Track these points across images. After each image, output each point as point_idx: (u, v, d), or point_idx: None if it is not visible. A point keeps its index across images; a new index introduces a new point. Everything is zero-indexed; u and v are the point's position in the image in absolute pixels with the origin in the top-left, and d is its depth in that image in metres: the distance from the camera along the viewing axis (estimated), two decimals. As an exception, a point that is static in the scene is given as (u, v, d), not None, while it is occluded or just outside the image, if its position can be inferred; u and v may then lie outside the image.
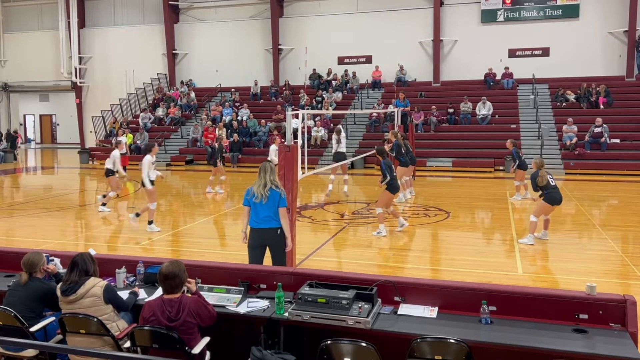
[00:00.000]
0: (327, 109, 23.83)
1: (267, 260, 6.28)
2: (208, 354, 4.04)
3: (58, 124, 39.04)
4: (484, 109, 22.71)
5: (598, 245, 9.11)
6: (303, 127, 12.10)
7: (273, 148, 13.74)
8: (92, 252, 4.66)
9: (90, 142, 30.02)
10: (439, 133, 22.59)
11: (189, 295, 4.05)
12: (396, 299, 4.33)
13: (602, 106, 21.89)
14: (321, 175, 17.69)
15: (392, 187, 9.82)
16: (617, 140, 20.26)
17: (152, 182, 10.43)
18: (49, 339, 4.31)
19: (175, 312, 3.83)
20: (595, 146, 19.95)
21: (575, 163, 19.39)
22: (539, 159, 9.45)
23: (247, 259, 6.11)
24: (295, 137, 7.98)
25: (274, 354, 3.88)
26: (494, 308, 4.07)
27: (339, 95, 25.30)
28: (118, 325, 4.20)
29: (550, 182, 8.99)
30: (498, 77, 24.61)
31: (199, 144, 24.27)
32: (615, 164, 19.11)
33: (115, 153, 12.68)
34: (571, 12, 24.12)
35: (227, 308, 4.32)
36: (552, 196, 8.99)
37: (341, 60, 27.31)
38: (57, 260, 5.08)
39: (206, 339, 3.99)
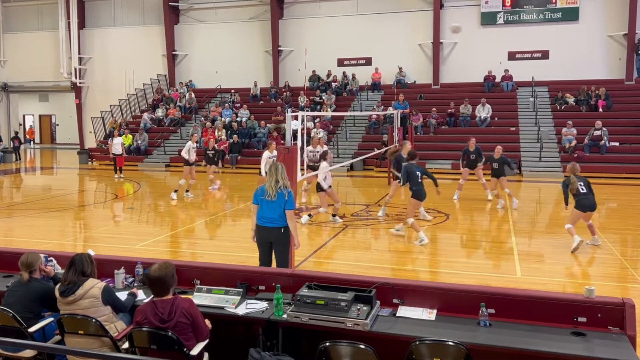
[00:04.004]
0: (326, 111, 23.85)
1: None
2: (206, 355, 4.04)
3: (57, 125, 39.05)
4: (484, 111, 22.73)
5: (597, 249, 9.10)
6: (302, 129, 12.10)
7: (266, 155, 12.66)
8: (91, 252, 4.66)
9: (90, 142, 30.01)
10: (438, 135, 22.61)
11: (183, 296, 4.02)
12: (395, 301, 4.33)
13: (601, 109, 21.92)
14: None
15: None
16: (617, 144, 20.28)
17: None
18: (48, 339, 4.30)
19: (167, 313, 3.81)
20: (595, 149, 19.96)
21: (574, 166, 19.39)
22: (572, 165, 9.36)
23: (246, 260, 6.16)
24: (295, 138, 7.98)
25: (273, 355, 3.87)
26: (492, 311, 4.07)
27: (326, 97, 25.26)
28: (116, 326, 4.20)
29: (580, 190, 8.95)
30: (498, 79, 24.62)
31: (198, 144, 24.23)
32: (615, 167, 19.14)
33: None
34: (571, 15, 24.14)
35: (226, 309, 4.32)
36: (581, 203, 8.96)
37: (341, 62, 27.32)
38: (55, 262, 5.07)
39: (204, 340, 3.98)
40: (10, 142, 29.68)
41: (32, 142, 37.98)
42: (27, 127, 38.75)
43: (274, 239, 6.15)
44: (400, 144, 12.41)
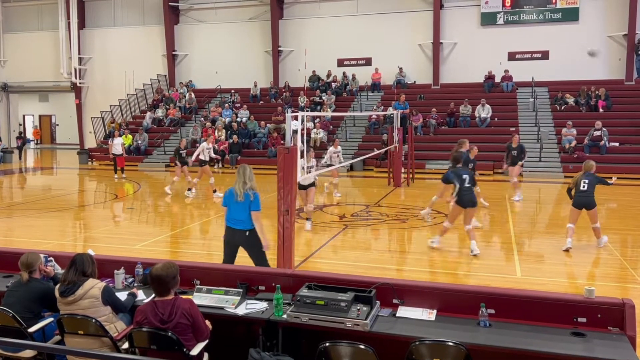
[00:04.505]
0: (326, 111, 23.85)
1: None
2: (206, 355, 4.04)
3: (57, 125, 39.05)
4: (483, 111, 22.73)
5: (597, 249, 9.11)
6: (302, 129, 12.06)
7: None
8: (91, 252, 4.66)
9: (90, 142, 30.01)
10: (438, 136, 22.60)
11: (183, 297, 4.03)
12: (395, 301, 4.33)
13: (601, 109, 21.92)
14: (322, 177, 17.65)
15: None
16: (616, 144, 20.28)
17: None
18: (47, 339, 4.30)
19: (168, 314, 3.81)
20: (595, 149, 19.96)
21: (574, 166, 19.35)
22: (586, 162, 9.23)
23: (247, 260, 6.22)
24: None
25: (273, 355, 3.87)
26: (492, 311, 4.07)
27: (326, 97, 25.27)
28: (116, 326, 4.20)
29: (581, 187, 8.86)
30: (497, 79, 24.62)
31: (198, 145, 24.24)
32: (614, 167, 19.10)
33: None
34: (571, 15, 24.15)
35: (226, 310, 4.32)
36: (576, 200, 8.97)
37: (341, 62, 27.32)
38: (54, 262, 5.07)
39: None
40: (14, 141, 29.68)
41: (33, 142, 38.00)
42: (32, 128, 38.89)
43: (241, 243, 6.27)
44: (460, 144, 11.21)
